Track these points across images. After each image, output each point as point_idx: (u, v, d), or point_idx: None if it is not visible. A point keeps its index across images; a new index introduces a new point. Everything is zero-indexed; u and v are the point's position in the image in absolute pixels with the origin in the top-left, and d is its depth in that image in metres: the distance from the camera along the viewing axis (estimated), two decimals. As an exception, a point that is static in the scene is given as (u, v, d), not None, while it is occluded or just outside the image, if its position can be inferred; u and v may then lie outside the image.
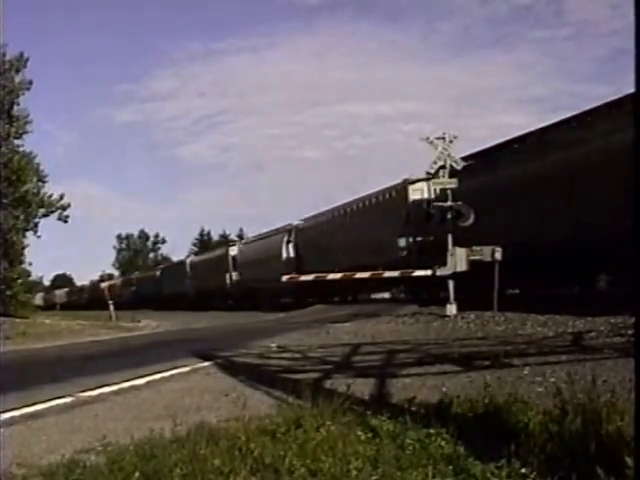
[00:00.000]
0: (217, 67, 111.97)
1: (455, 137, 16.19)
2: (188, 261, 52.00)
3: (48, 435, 4.94)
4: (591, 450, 3.18)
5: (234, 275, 39.05)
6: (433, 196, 20.68)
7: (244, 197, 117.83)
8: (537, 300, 15.67)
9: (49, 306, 64.14)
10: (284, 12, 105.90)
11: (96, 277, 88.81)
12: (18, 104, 26.08)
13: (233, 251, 40.36)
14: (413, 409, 4.45)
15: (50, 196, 27.23)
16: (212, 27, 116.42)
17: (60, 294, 79.49)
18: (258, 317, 25.90)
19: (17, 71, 26.06)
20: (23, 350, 14.66)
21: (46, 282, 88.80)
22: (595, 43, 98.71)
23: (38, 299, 73.91)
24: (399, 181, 24.19)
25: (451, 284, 15.78)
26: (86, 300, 65.66)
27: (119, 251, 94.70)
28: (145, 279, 61.45)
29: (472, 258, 15.71)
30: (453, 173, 16.17)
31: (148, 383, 7.54)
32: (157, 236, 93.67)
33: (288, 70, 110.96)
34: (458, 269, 15.78)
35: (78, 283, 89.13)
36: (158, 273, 58.36)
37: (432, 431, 3.77)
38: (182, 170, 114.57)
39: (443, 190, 16.66)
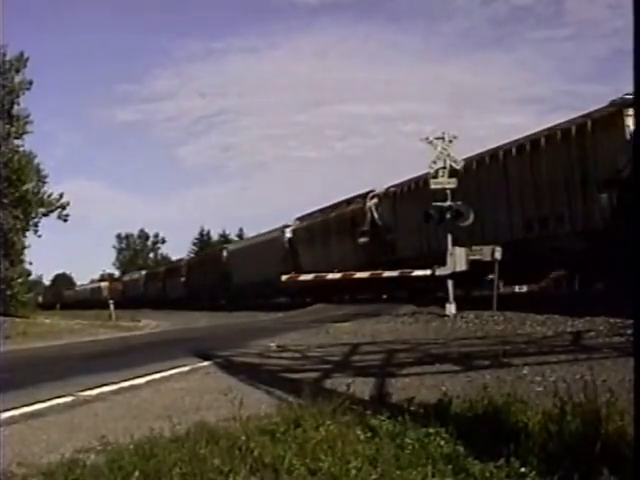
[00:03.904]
0: (217, 67, 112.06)
1: (455, 137, 16.20)
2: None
3: (48, 434, 4.94)
4: (591, 450, 3.18)
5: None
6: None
7: (244, 197, 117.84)
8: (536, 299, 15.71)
9: (133, 298, 54.40)
10: (284, 12, 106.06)
11: (96, 277, 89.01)
12: (18, 104, 26.16)
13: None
14: (412, 409, 4.45)
15: (50, 195, 27.30)
16: (212, 27, 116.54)
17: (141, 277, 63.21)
18: (258, 317, 25.89)
19: (17, 71, 26.11)
20: (23, 350, 14.66)
21: (46, 282, 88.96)
22: (595, 43, 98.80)
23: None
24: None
25: (450, 284, 15.79)
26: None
27: (119, 251, 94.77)
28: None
29: (472, 258, 15.73)
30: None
31: (148, 383, 7.54)
32: (157, 236, 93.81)
33: (288, 70, 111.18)
34: (457, 269, 15.79)
35: (76, 282, 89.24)
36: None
37: (431, 431, 3.77)
38: (182, 170, 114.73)
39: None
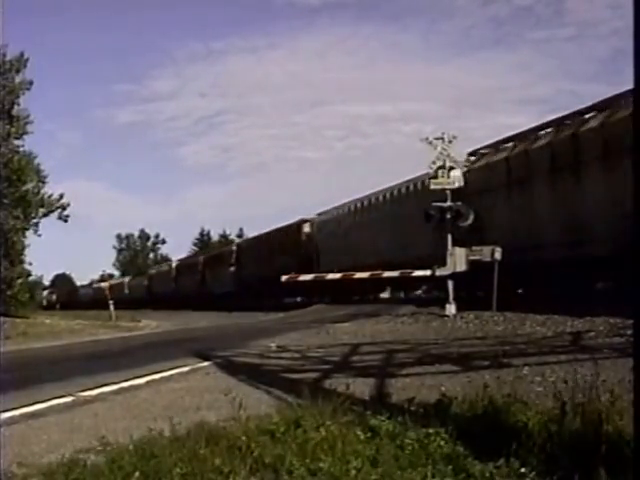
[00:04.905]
0: (218, 67, 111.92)
1: (454, 137, 16.22)
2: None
3: (48, 434, 4.95)
4: (590, 450, 3.18)
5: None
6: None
7: (244, 197, 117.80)
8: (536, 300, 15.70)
9: (161, 295, 49.73)
10: (284, 12, 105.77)
11: (96, 277, 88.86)
12: (18, 104, 26.11)
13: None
14: (412, 409, 4.45)
15: (50, 196, 27.31)
16: (213, 27, 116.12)
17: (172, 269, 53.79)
18: (258, 317, 25.92)
19: (17, 71, 26.06)
20: (23, 350, 14.66)
21: (46, 282, 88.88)
22: (596, 43, 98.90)
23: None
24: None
25: (450, 284, 15.79)
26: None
27: (119, 251, 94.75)
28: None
29: (471, 258, 15.73)
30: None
31: (148, 383, 7.54)
32: (157, 236, 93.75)
33: (289, 70, 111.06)
34: (457, 269, 15.80)
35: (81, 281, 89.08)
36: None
37: (431, 431, 3.77)
38: (182, 170, 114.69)
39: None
